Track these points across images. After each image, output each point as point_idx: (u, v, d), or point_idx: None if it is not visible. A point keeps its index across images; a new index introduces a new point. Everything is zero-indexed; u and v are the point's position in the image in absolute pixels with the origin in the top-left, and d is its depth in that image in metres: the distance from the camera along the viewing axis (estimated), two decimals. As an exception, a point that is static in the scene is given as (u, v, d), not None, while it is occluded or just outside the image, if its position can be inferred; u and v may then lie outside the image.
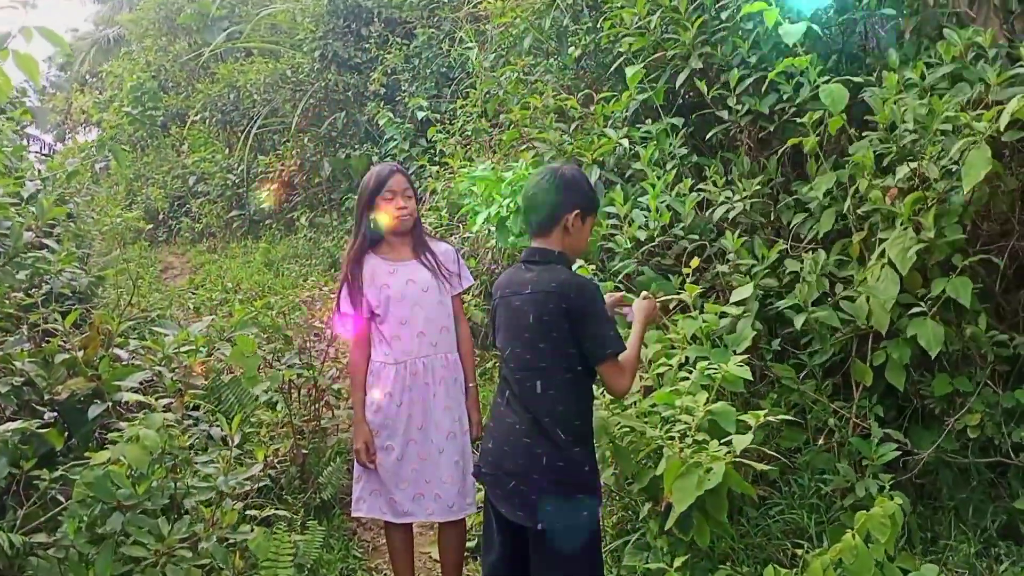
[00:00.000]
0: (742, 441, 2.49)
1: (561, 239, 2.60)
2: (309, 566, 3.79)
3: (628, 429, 3.05)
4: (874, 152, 3.34)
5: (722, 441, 2.64)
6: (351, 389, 3.46)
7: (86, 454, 2.90)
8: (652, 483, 2.98)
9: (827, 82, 3.41)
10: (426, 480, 3.35)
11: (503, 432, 2.59)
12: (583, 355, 2.50)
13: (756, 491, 3.07)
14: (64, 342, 3.65)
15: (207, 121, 12.23)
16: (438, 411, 3.35)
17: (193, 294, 6.59)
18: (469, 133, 6.03)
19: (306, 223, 9.75)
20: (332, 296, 5.38)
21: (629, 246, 3.57)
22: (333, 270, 8.35)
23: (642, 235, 3.61)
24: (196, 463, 2.90)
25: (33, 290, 4.02)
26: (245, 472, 2.90)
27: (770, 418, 2.62)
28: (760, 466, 2.56)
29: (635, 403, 3.25)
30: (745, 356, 2.93)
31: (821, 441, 3.50)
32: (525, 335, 2.53)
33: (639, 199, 3.76)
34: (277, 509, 4.07)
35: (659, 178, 3.63)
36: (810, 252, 3.37)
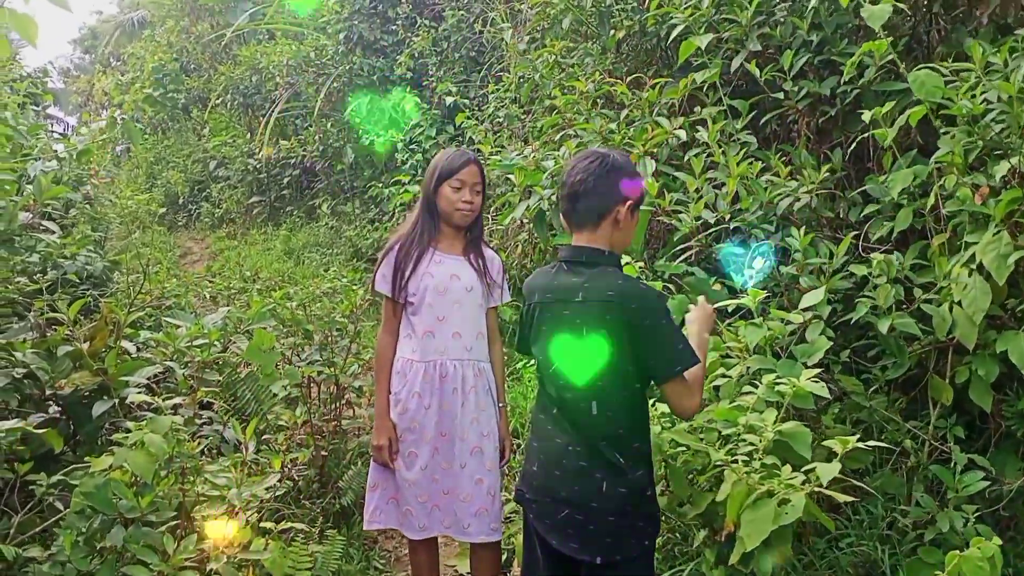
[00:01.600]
0: (828, 471, 2.18)
1: (609, 234, 2.26)
2: (327, 579, 3.52)
3: (684, 447, 2.74)
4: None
5: (802, 469, 2.32)
6: (375, 379, 3.18)
7: (86, 458, 2.64)
8: (710, 509, 2.68)
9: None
10: (443, 492, 3.08)
11: (552, 455, 2.28)
12: (644, 372, 2.20)
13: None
14: (70, 332, 3.39)
15: (228, 104, 11.98)
16: (465, 421, 3.08)
17: (210, 282, 6.34)
18: (500, 120, 5.73)
19: (328, 211, 9.48)
20: (355, 287, 5.13)
21: (696, 225, 3.23)
22: (355, 260, 8.10)
23: (710, 216, 3.28)
24: (207, 471, 2.63)
25: (39, 275, 3.77)
26: (260, 482, 2.62)
27: (860, 444, 2.30)
28: (843, 497, 2.26)
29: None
30: (819, 370, 2.61)
31: (889, 463, 3.20)
32: (578, 350, 2.21)
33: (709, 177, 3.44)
34: (294, 515, 3.83)
35: (734, 158, 3.31)
36: (880, 254, 3.04)
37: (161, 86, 13.38)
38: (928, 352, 3.11)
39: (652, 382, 2.24)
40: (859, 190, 3.60)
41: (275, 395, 4.20)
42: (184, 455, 2.60)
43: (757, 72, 3.55)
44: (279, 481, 2.64)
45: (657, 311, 2.17)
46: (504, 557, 3.63)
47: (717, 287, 3.52)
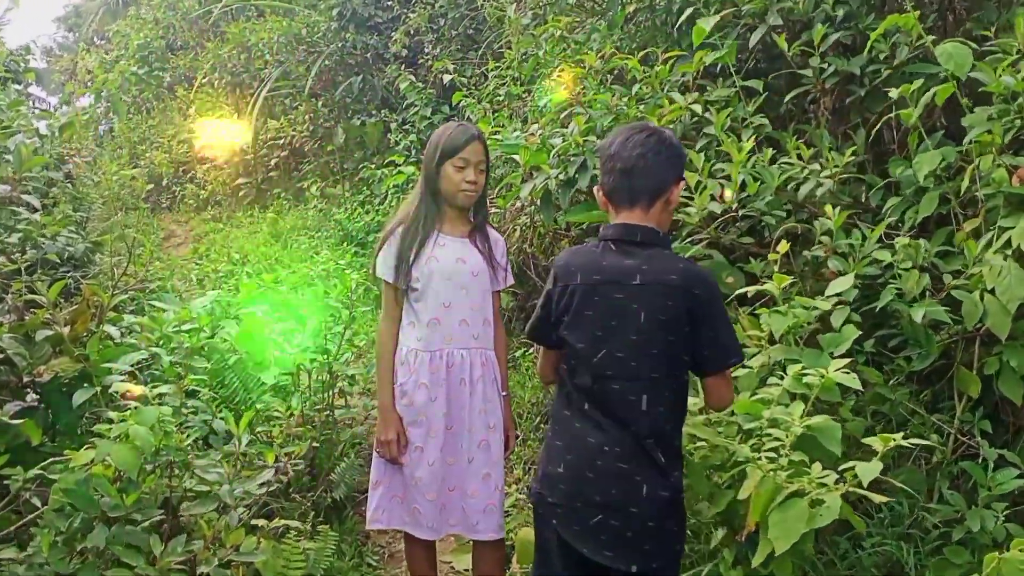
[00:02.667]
0: (869, 471, 2.02)
1: (659, 214, 2.13)
2: (319, 576, 3.35)
3: (703, 442, 2.59)
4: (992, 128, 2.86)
5: (839, 467, 2.17)
6: (378, 370, 3.01)
7: (66, 451, 2.46)
8: (730, 507, 2.53)
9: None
10: (449, 488, 2.92)
11: (584, 455, 2.11)
12: (696, 362, 2.06)
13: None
14: (50, 316, 3.20)
15: (215, 83, 11.70)
16: (473, 413, 2.93)
17: (197, 264, 6.14)
18: (501, 98, 5.53)
19: (317, 193, 9.26)
20: (347, 270, 4.95)
21: (703, 215, 3.07)
22: (346, 243, 7.89)
23: (716, 208, 3.12)
24: (196, 466, 2.45)
25: (17, 255, 3.57)
26: (253, 478, 2.45)
27: (904, 443, 2.15)
28: (879, 498, 2.11)
29: (702, 409, 2.79)
30: (848, 360, 2.45)
31: (910, 458, 3.06)
32: (632, 337, 2.05)
33: (713, 168, 3.27)
34: (283, 509, 3.66)
35: (735, 147, 3.13)
36: (906, 239, 2.88)
37: (146, 64, 13.05)
38: (955, 342, 2.97)
39: (697, 373, 2.13)
40: (882, 176, 3.46)
41: (264, 383, 4.03)
42: (171, 448, 2.42)
43: (785, 46, 3.37)
44: (273, 476, 2.46)
45: (718, 298, 2.08)
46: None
47: (730, 279, 3.37)
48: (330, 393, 4.02)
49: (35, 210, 4.63)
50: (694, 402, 2.73)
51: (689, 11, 3.70)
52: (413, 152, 7.52)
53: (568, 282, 2.17)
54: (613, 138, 2.16)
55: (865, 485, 2.03)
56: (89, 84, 14.78)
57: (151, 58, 13.25)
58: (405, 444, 2.92)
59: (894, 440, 2.12)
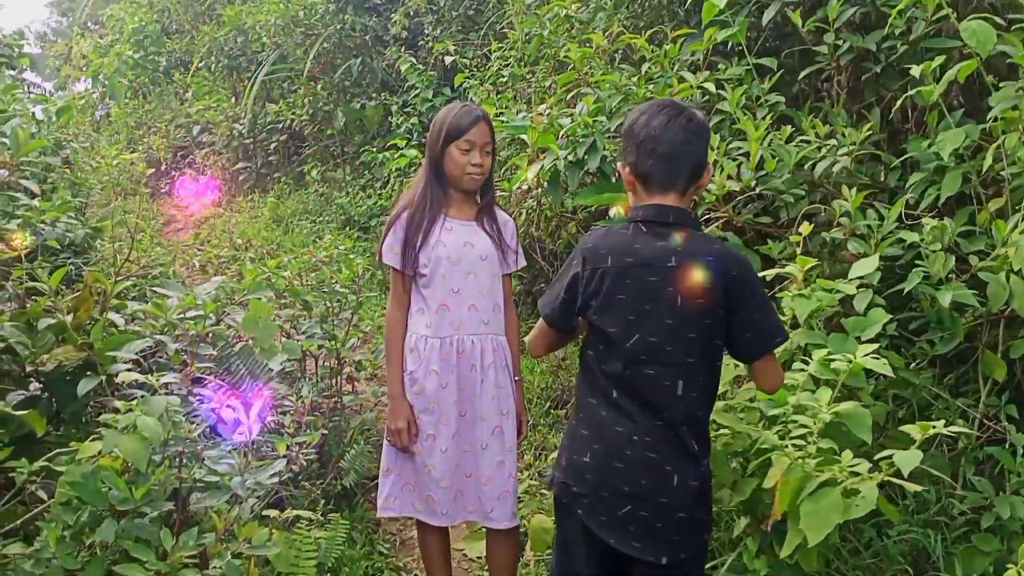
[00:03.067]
0: (909, 460, 1.96)
1: (691, 196, 2.07)
2: (330, 565, 3.30)
3: (726, 429, 2.52)
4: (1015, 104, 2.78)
5: (876, 456, 2.10)
6: (387, 357, 2.96)
7: (72, 443, 2.40)
8: (754, 495, 2.47)
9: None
10: (466, 475, 2.88)
11: (612, 443, 2.05)
12: (736, 346, 2.02)
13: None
14: (52, 303, 3.12)
15: (212, 67, 11.56)
16: (485, 400, 2.88)
17: (199, 250, 6.04)
18: (505, 79, 5.44)
19: (317, 177, 9.16)
20: (352, 255, 4.87)
21: (721, 194, 3.00)
22: (348, 228, 7.80)
23: (734, 186, 3.04)
24: (206, 456, 2.39)
25: (17, 241, 3.49)
26: (264, 469, 2.38)
27: (945, 431, 2.08)
28: (913, 486, 2.04)
29: (724, 394, 2.73)
30: (876, 345, 2.38)
31: (934, 443, 3.00)
32: (667, 321, 1.99)
33: (729, 147, 3.19)
34: (293, 497, 3.61)
35: (752, 124, 3.05)
36: (933, 220, 2.81)
37: (141, 48, 12.90)
38: (979, 325, 2.91)
39: (742, 359, 2.08)
40: (897, 155, 3.38)
41: (271, 370, 3.96)
42: (180, 439, 2.35)
43: (800, 22, 3.28)
44: (284, 466, 2.40)
45: (755, 278, 2.05)
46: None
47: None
48: (338, 379, 3.96)
49: (33, 196, 4.55)
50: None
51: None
52: (415, 135, 7.42)
53: (598, 265, 2.09)
54: (648, 118, 2.05)
55: (906, 475, 1.97)
56: (84, 69, 14.64)
57: (146, 42, 13.10)
58: (416, 433, 2.87)
59: (933, 428, 2.05)
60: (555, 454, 4.24)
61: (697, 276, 1.97)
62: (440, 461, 2.85)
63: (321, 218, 8.44)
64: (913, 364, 3.00)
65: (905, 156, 3.22)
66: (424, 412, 2.86)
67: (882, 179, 3.30)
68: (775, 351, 2.07)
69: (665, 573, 2.03)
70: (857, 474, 2.09)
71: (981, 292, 2.75)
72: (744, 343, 2.03)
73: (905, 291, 2.70)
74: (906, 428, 2.15)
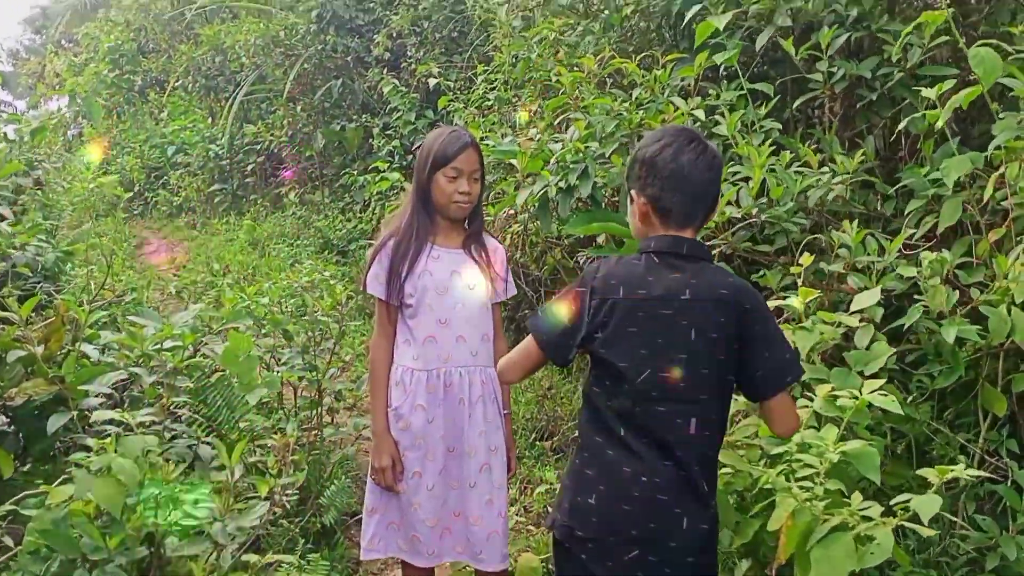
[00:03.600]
0: (928, 506, 1.88)
1: (700, 231, 2.01)
2: (311, 608, 3.17)
3: (728, 468, 2.44)
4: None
5: (893, 501, 2.02)
6: (371, 391, 2.83)
7: (41, 485, 2.26)
8: (756, 538, 2.38)
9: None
10: (454, 514, 2.76)
11: (619, 485, 1.94)
12: (749, 383, 1.94)
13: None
14: (21, 333, 2.98)
15: (189, 87, 11.43)
16: (473, 435, 2.76)
17: (175, 275, 5.89)
18: (491, 102, 5.37)
19: (295, 199, 9.04)
20: (333, 281, 4.75)
21: (721, 221, 2.93)
22: (327, 252, 7.68)
23: (735, 213, 2.97)
24: (185, 500, 2.26)
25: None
26: (247, 513, 2.26)
27: (964, 474, 2.00)
28: (926, 531, 1.96)
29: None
30: (882, 380, 2.31)
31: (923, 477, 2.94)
32: (681, 356, 1.91)
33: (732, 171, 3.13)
34: (271, 536, 3.47)
35: (756, 151, 3.00)
36: (930, 251, 2.75)
37: (117, 67, 12.75)
38: (979, 358, 2.85)
39: (754, 397, 1.98)
40: (891, 183, 3.34)
41: (248, 403, 3.83)
42: (157, 482, 2.23)
43: (792, 50, 3.24)
44: (267, 510, 2.28)
45: (769, 312, 1.98)
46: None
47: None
48: (318, 411, 3.83)
49: (2, 219, 4.40)
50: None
51: (695, 9, 3.55)
52: (396, 158, 7.34)
53: (608, 295, 1.99)
54: (674, 153, 1.97)
55: (926, 522, 1.88)
56: (59, 87, 14.44)
57: (122, 61, 12.95)
58: (401, 471, 2.75)
59: (952, 471, 1.98)
60: (541, 488, 4.18)
61: (711, 310, 1.91)
62: (426, 499, 2.74)
63: (299, 241, 8.32)
64: (910, 398, 2.94)
65: (900, 185, 3.17)
66: (410, 449, 2.74)
67: (876, 207, 3.25)
68: (791, 389, 1.98)
69: None
70: (869, 518, 2.00)
71: (980, 324, 2.69)
72: (757, 380, 1.95)
73: (906, 326, 2.64)
74: (924, 472, 2.07)
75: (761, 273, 3.05)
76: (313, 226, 8.29)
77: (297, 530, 3.52)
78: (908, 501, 1.94)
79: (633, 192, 2.06)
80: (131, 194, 10.56)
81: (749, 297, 1.94)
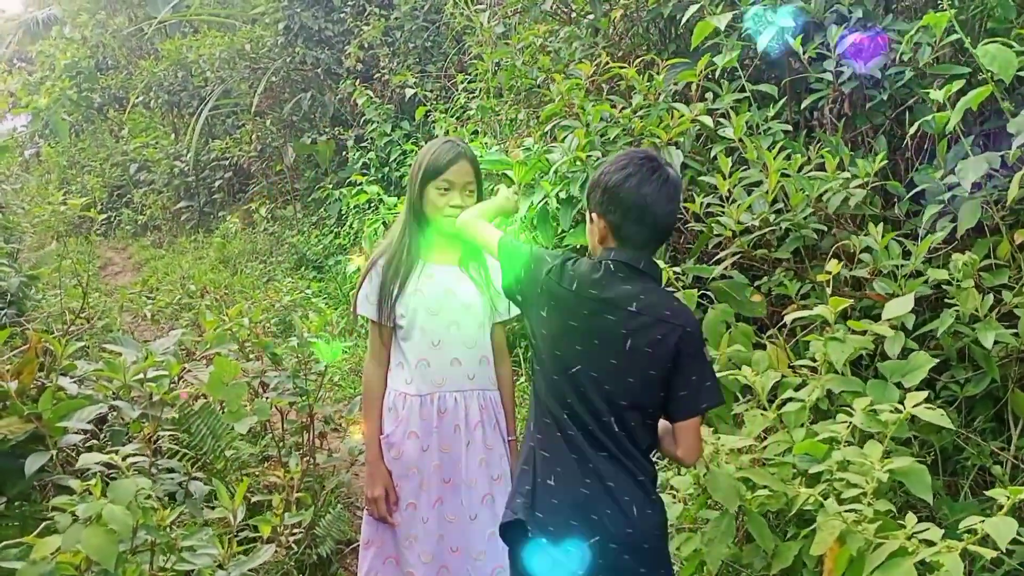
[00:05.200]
0: (1003, 529, 1.75)
1: None
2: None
3: (764, 489, 2.30)
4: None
5: (963, 524, 1.89)
6: (364, 416, 2.66)
7: (23, 535, 2.06)
8: (797, 563, 2.24)
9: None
10: (452, 549, 2.58)
11: (569, 471, 2.05)
12: (670, 402, 2.03)
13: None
14: (-9, 368, 2.77)
15: (151, 103, 11.13)
16: (472, 464, 2.59)
17: (149, 298, 5.64)
18: (472, 112, 5.22)
19: (266, 215, 8.80)
20: (315, 297, 4.58)
21: (738, 229, 2.82)
22: (302, 268, 7.46)
23: (749, 219, 2.85)
24: (183, 546, 2.07)
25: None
26: (251, 559, 2.07)
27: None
28: (989, 552, 1.84)
29: (748, 448, 2.51)
30: (925, 393, 2.19)
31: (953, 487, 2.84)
32: (611, 361, 2.00)
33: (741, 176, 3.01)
34: (265, 571, 3.28)
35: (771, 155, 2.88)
36: (964, 256, 2.65)
37: (75, 85, 12.38)
38: (1008, 362, 2.75)
39: (671, 418, 2.07)
40: (901, 183, 3.25)
41: (235, 430, 3.63)
42: (151, 528, 2.03)
43: (800, 48, 3.13)
44: (272, 555, 2.09)
45: (703, 341, 2.10)
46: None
47: (756, 297, 3.11)
48: (310, 437, 3.64)
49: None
50: (731, 441, 2.47)
51: (693, 9, 3.43)
52: (372, 170, 7.16)
53: (563, 286, 2.08)
54: (638, 183, 2.02)
55: (1003, 547, 1.75)
56: (14, 107, 14.02)
57: (79, 78, 12.59)
58: (395, 501, 2.57)
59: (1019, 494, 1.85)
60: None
61: (652, 325, 1.99)
62: (421, 532, 2.56)
63: (272, 258, 8.08)
64: (935, 405, 2.83)
65: (916, 187, 3.07)
66: (403, 478, 2.57)
67: (890, 210, 3.15)
68: (703, 418, 2.09)
69: None
70: (930, 542, 1.87)
71: (1010, 326, 2.60)
72: (679, 399, 2.03)
73: (940, 332, 2.53)
74: (993, 493, 1.95)
75: (779, 282, 2.92)
76: (286, 242, 8.07)
77: (292, 563, 3.32)
78: (978, 523, 1.80)
79: (594, 215, 2.11)
80: (102, 216, 10.24)
81: (690, 322, 2.03)
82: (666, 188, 2.03)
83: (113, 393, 2.96)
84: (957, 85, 2.79)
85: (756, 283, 3.26)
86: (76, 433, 2.73)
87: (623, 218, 2.03)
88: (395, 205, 5.30)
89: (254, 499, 3.14)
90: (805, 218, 2.85)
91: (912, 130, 2.95)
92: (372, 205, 6.13)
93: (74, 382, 2.91)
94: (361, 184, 5.91)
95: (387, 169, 7.15)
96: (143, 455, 2.52)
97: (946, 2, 2.82)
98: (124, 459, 2.14)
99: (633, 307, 2.00)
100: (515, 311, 2.77)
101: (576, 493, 2.02)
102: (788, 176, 2.95)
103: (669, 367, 1.99)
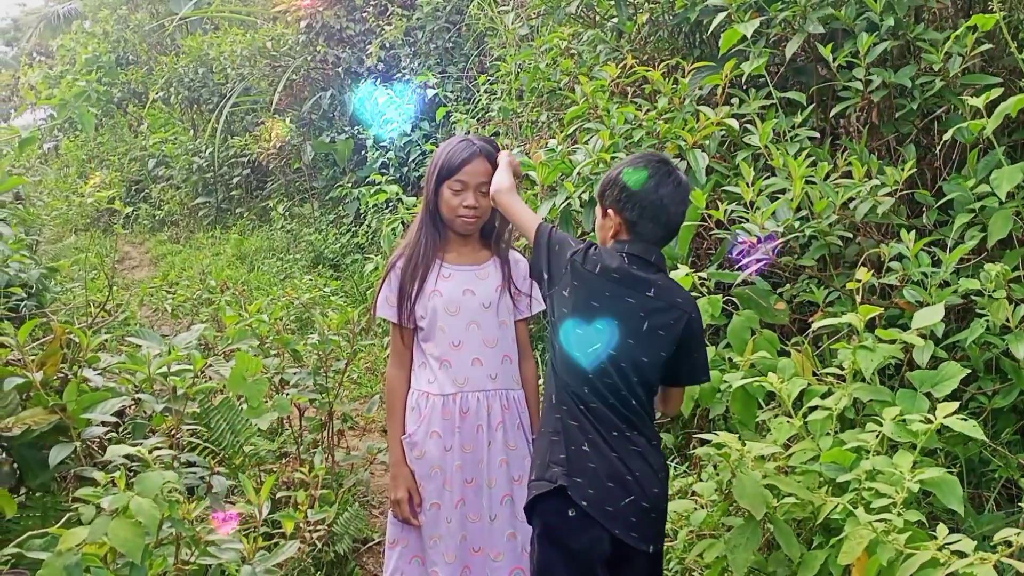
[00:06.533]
0: (1039, 543, 1.74)
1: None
2: (328, 647, 2.98)
3: (790, 496, 2.28)
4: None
5: (997, 537, 1.87)
6: (387, 418, 2.67)
7: (43, 524, 2.06)
8: (823, 572, 2.22)
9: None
10: (473, 549, 2.57)
11: (595, 438, 2.19)
12: (672, 373, 2.25)
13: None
14: (17, 358, 2.77)
15: (171, 99, 11.18)
16: (493, 464, 2.58)
17: (168, 292, 5.66)
18: (494, 113, 5.21)
19: (283, 213, 8.81)
20: (333, 296, 4.58)
21: (763, 235, 2.81)
22: (319, 266, 7.47)
23: (774, 226, 2.84)
24: (209, 541, 2.06)
25: (-25, 289, 3.14)
26: (276, 554, 2.07)
27: None
28: (1019, 564, 1.82)
29: (771, 457, 2.50)
30: (956, 403, 2.17)
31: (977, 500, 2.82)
32: (629, 341, 2.17)
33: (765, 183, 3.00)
34: (280, 567, 3.27)
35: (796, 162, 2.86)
36: (997, 266, 2.62)
37: (96, 80, 12.46)
38: (1036, 375, 2.72)
39: (667, 383, 2.29)
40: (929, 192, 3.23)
41: (254, 426, 3.63)
42: (177, 521, 2.03)
43: (829, 56, 3.11)
44: (296, 551, 2.09)
45: (703, 327, 2.30)
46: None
47: (780, 305, 3.09)
48: (329, 435, 3.64)
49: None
50: (757, 448, 2.46)
51: (721, 16, 3.42)
52: (390, 170, 7.16)
53: (590, 268, 2.22)
54: (656, 184, 2.19)
55: (1039, 561, 1.74)
56: (38, 99, 14.12)
57: (99, 72, 12.66)
58: (419, 502, 2.57)
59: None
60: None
61: (666, 311, 2.18)
62: (445, 533, 2.56)
63: (289, 255, 8.09)
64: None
65: (947, 198, 3.05)
66: (426, 479, 2.56)
67: (915, 219, 3.13)
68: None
69: (654, 561, 2.22)
70: (962, 554, 1.85)
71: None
72: (680, 373, 2.28)
73: (968, 342, 2.51)
74: (1028, 505, 1.93)
75: (804, 289, 2.90)
76: (303, 240, 8.08)
77: (309, 561, 3.32)
78: (1013, 535, 1.79)
79: (611, 211, 2.25)
80: (129, 209, 10.31)
81: (695, 309, 2.25)
82: (679, 190, 2.21)
83: (135, 386, 2.98)
84: (996, 93, 2.76)
85: (778, 290, 3.25)
86: (99, 425, 2.74)
87: (640, 216, 2.19)
88: (414, 205, 5.29)
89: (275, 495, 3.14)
90: (830, 225, 2.83)
91: (946, 137, 2.92)
92: (390, 204, 6.13)
93: (98, 374, 2.92)
94: (380, 183, 5.90)
95: (406, 169, 7.15)
96: (164, 449, 2.53)
97: (996, 3, 2.80)
98: (150, 452, 2.14)
99: (651, 292, 2.19)
100: (536, 308, 2.77)
101: (609, 457, 2.15)
102: (813, 183, 2.93)
103: (675, 349, 2.20)
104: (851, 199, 2.94)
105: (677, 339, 2.19)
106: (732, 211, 3.04)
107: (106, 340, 3.55)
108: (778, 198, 2.99)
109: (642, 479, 2.16)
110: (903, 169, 2.90)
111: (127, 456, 2.24)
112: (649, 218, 2.19)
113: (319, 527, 2.32)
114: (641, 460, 2.17)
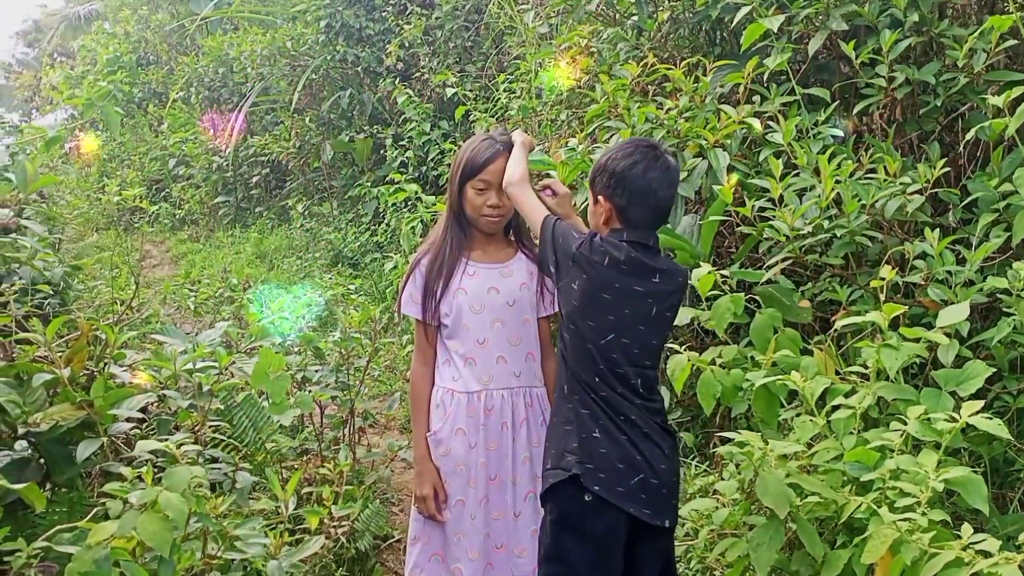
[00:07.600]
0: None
1: None
2: (350, 642, 2.99)
3: (814, 495, 2.28)
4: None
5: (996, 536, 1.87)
6: (412, 415, 2.69)
7: (71, 519, 2.09)
8: (847, 571, 2.22)
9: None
10: (496, 546, 2.59)
11: (609, 424, 2.25)
12: None
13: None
14: (45, 354, 2.81)
15: (191, 98, 11.26)
16: (517, 461, 2.60)
17: (191, 290, 5.72)
18: (513, 112, 5.22)
19: (302, 212, 8.86)
20: (355, 294, 4.60)
21: (789, 235, 2.81)
22: (339, 265, 7.51)
23: (802, 224, 2.83)
24: (236, 536, 2.09)
25: (5, 287, 3.18)
26: (301, 549, 2.09)
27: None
28: (1047, 566, 1.81)
29: (793, 456, 2.49)
30: (981, 402, 2.16)
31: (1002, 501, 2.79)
32: (640, 328, 2.23)
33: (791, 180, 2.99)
34: (302, 562, 3.30)
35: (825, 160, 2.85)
36: (1021, 264, 2.60)
37: (119, 79, 12.57)
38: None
39: None
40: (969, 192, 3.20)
41: (276, 422, 3.66)
42: (204, 516, 2.06)
43: (852, 53, 3.10)
44: (321, 547, 2.11)
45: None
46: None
47: (803, 303, 3.08)
48: (350, 432, 3.66)
49: (7, 232, 4.22)
50: (780, 447, 2.45)
51: (745, 11, 3.41)
52: (409, 169, 7.19)
53: (593, 257, 2.22)
54: (644, 169, 2.21)
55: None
56: (54, 101, 14.25)
57: (120, 73, 12.77)
58: (444, 499, 2.58)
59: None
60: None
61: (671, 292, 2.28)
62: (470, 530, 2.57)
63: (308, 254, 8.14)
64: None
65: (971, 197, 3.03)
66: (451, 476, 2.58)
67: (939, 217, 3.11)
68: None
69: (669, 534, 2.30)
70: (987, 553, 1.85)
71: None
72: None
73: (994, 341, 2.49)
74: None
75: (828, 287, 2.90)
76: (322, 239, 8.12)
77: (331, 557, 3.34)
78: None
79: (601, 197, 2.28)
80: (156, 206, 10.42)
81: (687, 274, 2.36)
82: (668, 174, 2.24)
83: (160, 383, 3.01)
84: (1018, 91, 2.74)
85: (801, 288, 3.24)
86: (125, 421, 2.78)
87: (629, 201, 2.22)
88: (433, 204, 5.31)
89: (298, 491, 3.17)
90: (859, 224, 2.82)
91: (968, 135, 2.90)
92: (410, 203, 6.15)
93: (125, 370, 2.95)
94: (399, 182, 5.92)
95: (425, 168, 7.18)
96: (193, 445, 2.55)
97: (1012, 5, 2.78)
98: (178, 447, 2.17)
99: (656, 278, 2.25)
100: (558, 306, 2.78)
101: (619, 440, 2.21)
102: (840, 182, 2.92)
103: (672, 324, 2.36)
104: (879, 198, 2.92)
105: (676, 312, 2.34)
106: (761, 208, 3.04)
107: (129, 338, 3.59)
108: (804, 194, 2.98)
109: (650, 458, 2.21)
110: (932, 167, 2.88)
111: (152, 452, 2.27)
112: (638, 203, 2.23)
113: (343, 523, 2.32)
114: (649, 442, 2.23)
